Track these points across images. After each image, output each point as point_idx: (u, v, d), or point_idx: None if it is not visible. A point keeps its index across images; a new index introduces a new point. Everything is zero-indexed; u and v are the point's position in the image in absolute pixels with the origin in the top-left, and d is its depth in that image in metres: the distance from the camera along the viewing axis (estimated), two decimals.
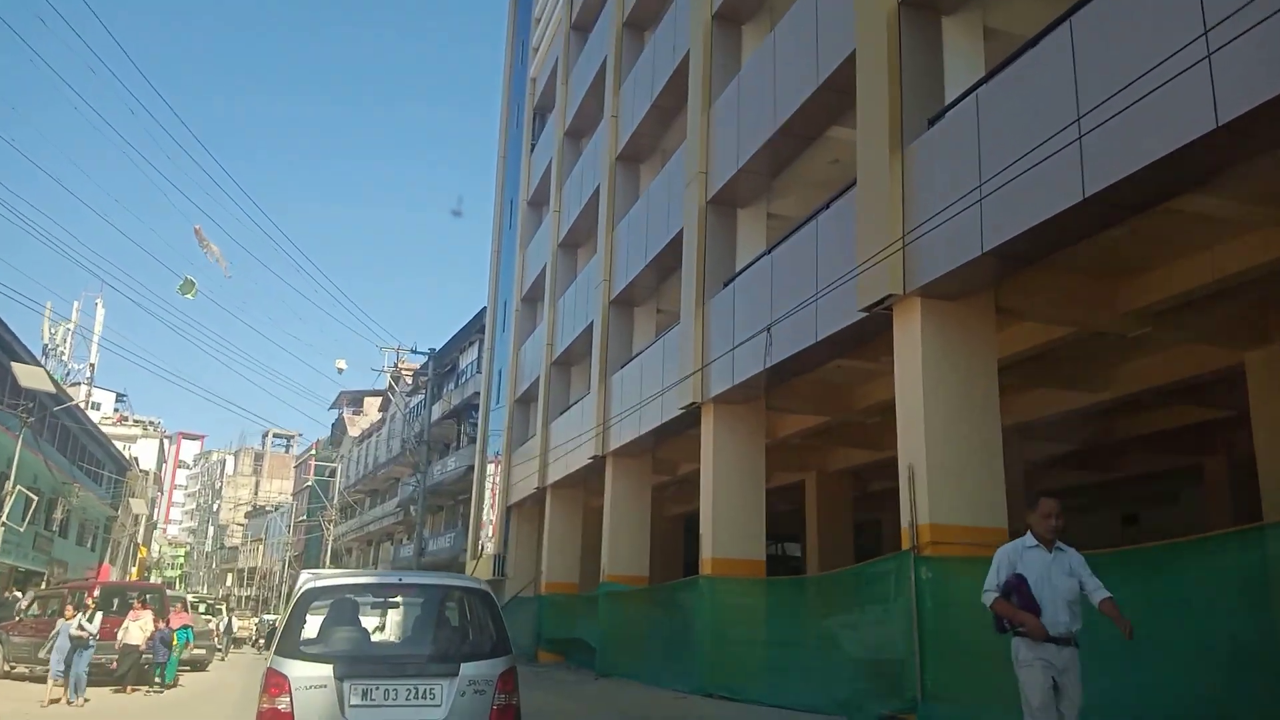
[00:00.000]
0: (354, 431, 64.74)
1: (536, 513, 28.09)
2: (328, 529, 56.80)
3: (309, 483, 77.37)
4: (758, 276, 13.53)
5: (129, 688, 15.62)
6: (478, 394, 37.29)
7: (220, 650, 26.44)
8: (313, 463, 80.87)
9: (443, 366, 40.37)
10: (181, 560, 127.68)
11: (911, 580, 9.37)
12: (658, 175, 18.44)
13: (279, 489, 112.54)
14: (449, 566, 35.78)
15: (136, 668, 15.89)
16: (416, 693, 5.93)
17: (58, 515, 37.63)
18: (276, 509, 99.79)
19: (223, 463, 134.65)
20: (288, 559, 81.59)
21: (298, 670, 5.86)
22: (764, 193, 14.94)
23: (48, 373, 28.38)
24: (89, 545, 44.66)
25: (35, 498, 26.64)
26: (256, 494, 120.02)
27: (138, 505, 45.99)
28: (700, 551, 14.48)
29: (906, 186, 10.13)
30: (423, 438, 34.64)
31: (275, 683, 5.80)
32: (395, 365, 34.27)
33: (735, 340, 13.55)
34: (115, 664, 15.60)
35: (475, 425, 36.95)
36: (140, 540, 70.17)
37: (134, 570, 65.60)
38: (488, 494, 30.29)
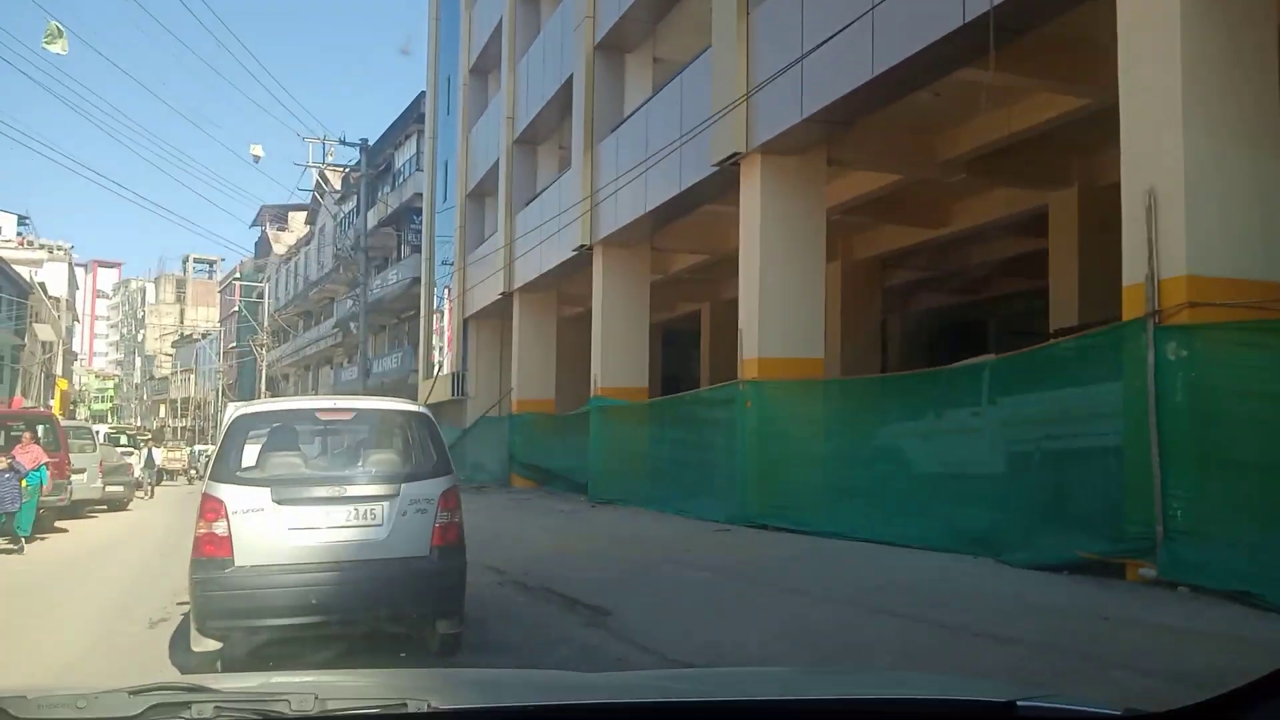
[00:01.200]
0: (280, 249, 59.73)
1: (500, 324, 24.60)
2: (260, 355, 52.83)
3: (236, 308, 72.63)
4: None
5: None
6: (419, 195, 32.95)
7: (146, 487, 23.07)
8: (238, 285, 75.88)
9: (376, 166, 35.60)
10: (111, 393, 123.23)
11: (1150, 360, 6.13)
12: None
13: (205, 316, 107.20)
14: (398, 389, 32.45)
15: None
16: (357, 514, 5.84)
17: None
18: (204, 337, 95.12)
19: (143, 290, 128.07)
20: (221, 388, 77.86)
21: (234, 494, 5.74)
22: None
23: None
24: None
25: None
26: (182, 322, 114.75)
27: (44, 331, 41.28)
28: (741, 351, 11.18)
29: None
30: (359, 245, 30.46)
31: (211, 507, 5.70)
32: (322, 161, 29.66)
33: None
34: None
35: (418, 232, 32.85)
36: (59, 372, 65.66)
37: (54, 404, 61.39)
38: (443, 306, 26.64)
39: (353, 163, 30.60)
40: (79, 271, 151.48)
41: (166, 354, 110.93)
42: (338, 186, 44.77)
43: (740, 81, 10.74)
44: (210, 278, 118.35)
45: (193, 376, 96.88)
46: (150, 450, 23.39)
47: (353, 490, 5.93)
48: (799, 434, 10.44)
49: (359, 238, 30.66)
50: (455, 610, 5.93)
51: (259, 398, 56.81)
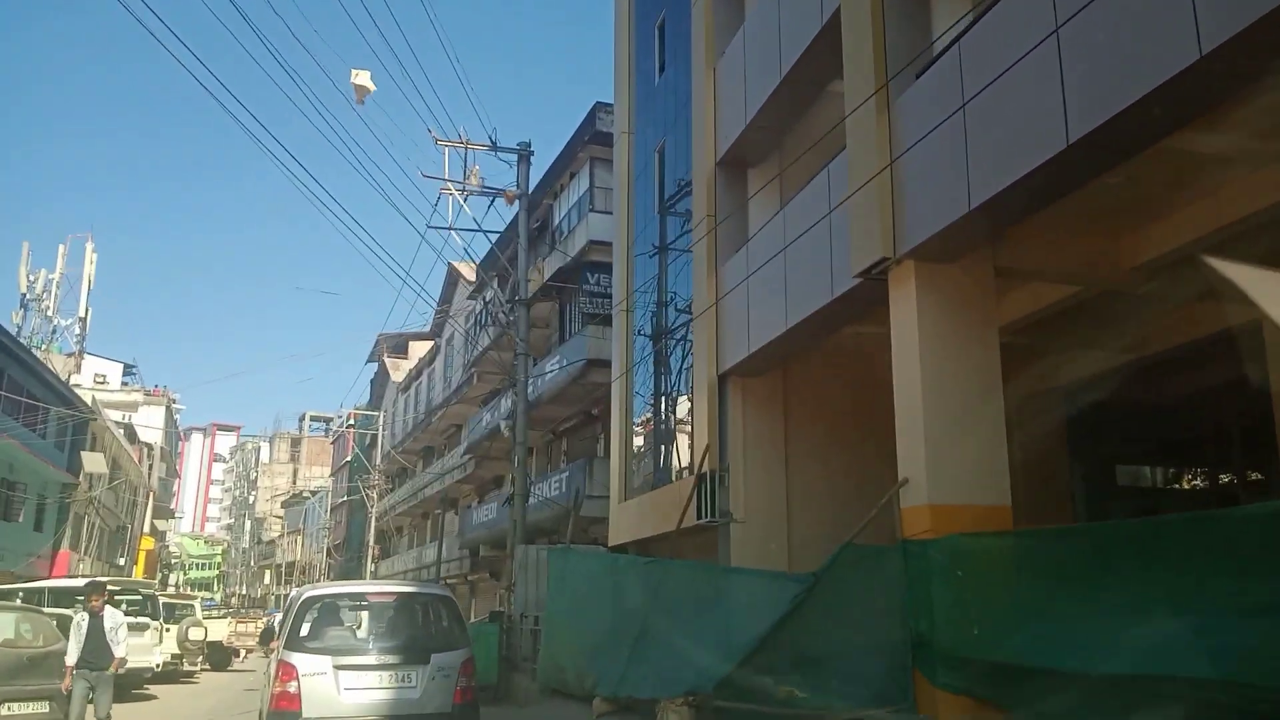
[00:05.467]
0: (398, 376, 50.54)
1: (781, 384, 13.48)
2: (369, 498, 42.54)
3: (348, 459, 63.51)
4: None
5: None
6: (594, 245, 22.82)
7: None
8: (351, 433, 66.96)
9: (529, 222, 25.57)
10: (218, 560, 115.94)
11: None
12: None
13: (319, 474, 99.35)
14: (566, 523, 21.11)
15: None
16: (396, 678, 7.61)
17: None
18: (314, 495, 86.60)
19: (257, 450, 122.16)
20: (327, 547, 68.03)
21: (303, 660, 7.46)
22: None
23: None
24: (24, 521, 30.62)
25: None
26: (295, 482, 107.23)
27: (93, 462, 31.76)
28: None
29: None
30: (516, 297, 19.90)
31: (285, 670, 7.43)
32: (463, 179, 19.63)
33: None
34: None
35: (594, 296, 22.42)
36: (145, 529, 56.90)
37: (137, 568, 52.15)
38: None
39: (509, 188, 20.41)
40: (197, 436, 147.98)
41: (276, 516, 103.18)
42: (471, 277, 35.33)
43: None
44: (326, 435, 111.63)
45: (300, 538, 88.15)
46: (82, 621, 9.64)
47: (393, 659, 7.74)
48: None
49: (516, 286, 20.15)
50: None
51: (367, 552, 46.51)
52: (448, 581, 33.85)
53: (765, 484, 13.20)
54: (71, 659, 9.36)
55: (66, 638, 9.70)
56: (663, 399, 16.60)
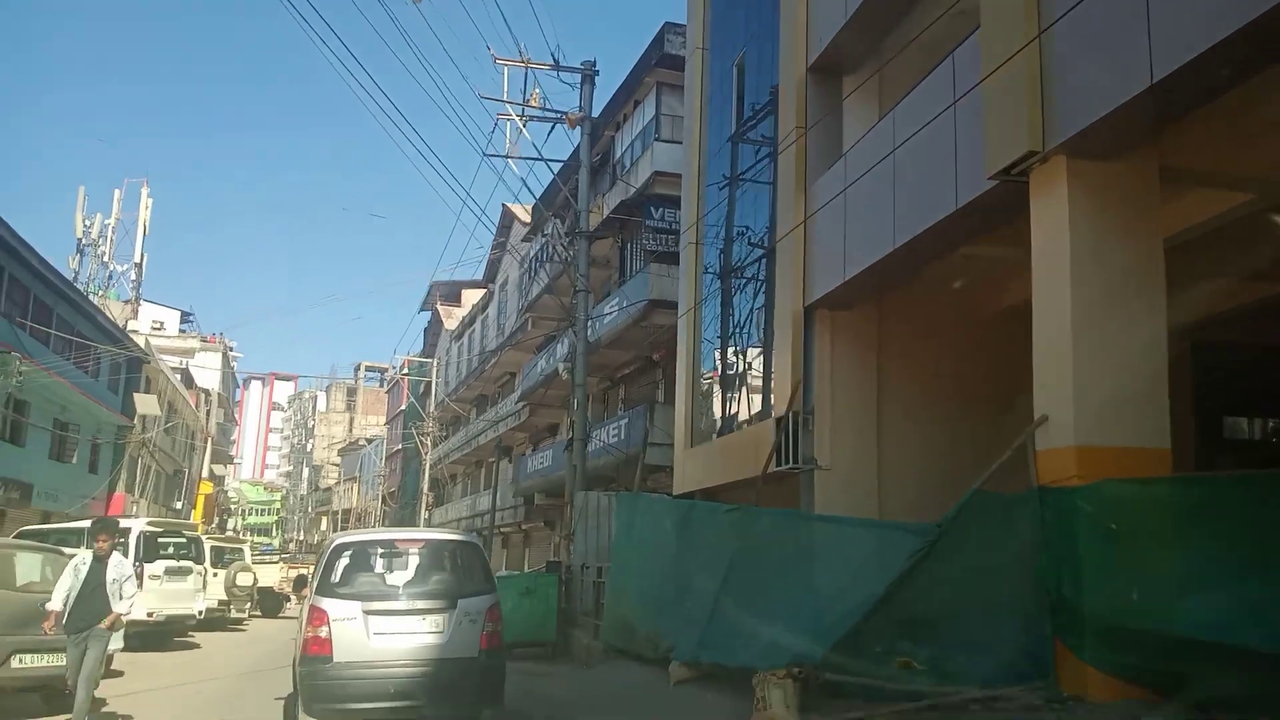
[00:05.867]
0: (451, 324, 49.75)
1: (876, 317, 12.09)
2: (423, 445, 41.98)
3: (402, 408, 63.26)
4: None
5: None
6: (659, 176, 21.31)
7: None
8: (405, 381, 66.61)
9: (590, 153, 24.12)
10: (277, 505, 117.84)
11: None
12: None
13: (375, 423, 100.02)
14: (629, 471, 19.98)
15: None
16: (425, 622, 7.74)
17: None
18: (369, 442, 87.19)
19: (314, 399, 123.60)
20: (382, 494, 68.26)
21: (334, 606, 7.62)
22: None
23: None
24: (77, 461, 30.39)
25: None
26: (351, 430, 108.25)
27: (146, 404, 31.38)
28: None
29: None
30: (577, 229, 18.62)
31: (317, 616, 7.55)
32: (523, 100, 18.31)
33: None
34: None
35: (657, 231, 21.01)
36: (204, 474, 57.27)
37: (195, 511, 52.48)
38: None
39: (571, 111, 19.04)
40: (256, 385, 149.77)
41: (333, 463, 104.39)
42: (526, 219, 34.15)
43: None
44: (381, 386, 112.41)
45: (356, 486, 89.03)
46: (82, 564, 8.24)
47: (421, 604, 7.87)
48: None
49: (576, 220, 18.87)
50: (497, 699, 8.02)
51: (421, 499, 46.27)
52: (502, 530, 33.14)
53: (854, 428, 11.84)
54: (55, 603, 7.86)
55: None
56: (733, 339, 15.27)
